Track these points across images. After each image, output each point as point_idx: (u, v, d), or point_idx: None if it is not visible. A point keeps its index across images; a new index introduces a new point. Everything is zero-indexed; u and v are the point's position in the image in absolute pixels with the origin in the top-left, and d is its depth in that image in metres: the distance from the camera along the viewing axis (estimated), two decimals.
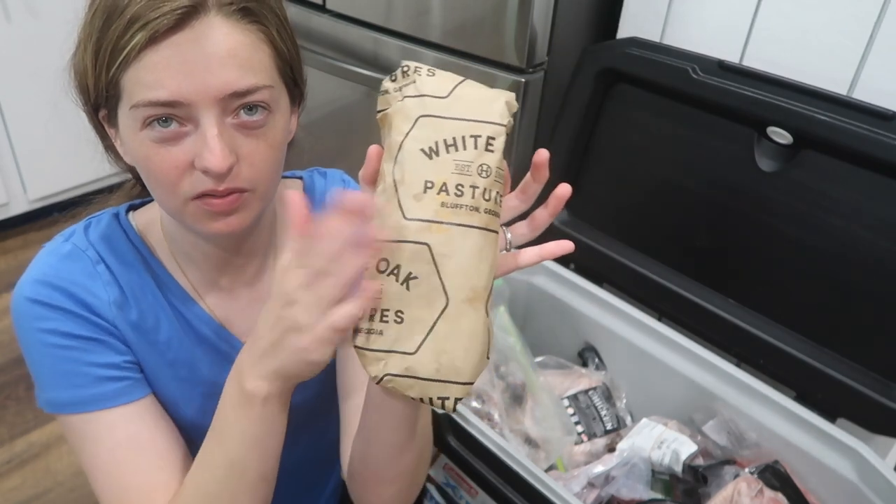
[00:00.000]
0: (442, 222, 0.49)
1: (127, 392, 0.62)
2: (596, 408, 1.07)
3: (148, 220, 0.68)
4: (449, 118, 0.50)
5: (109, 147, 0.64)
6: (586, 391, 1.08)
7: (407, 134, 0.50)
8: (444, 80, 0.52)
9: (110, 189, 0.75)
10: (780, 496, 0.88)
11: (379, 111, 0.53)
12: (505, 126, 0.51)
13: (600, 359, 1.17)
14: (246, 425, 0.54)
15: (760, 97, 0.97)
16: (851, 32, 1.01)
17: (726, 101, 1.01)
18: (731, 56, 1.12)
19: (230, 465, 0.56)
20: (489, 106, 0.51)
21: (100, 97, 0.55)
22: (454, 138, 0.50)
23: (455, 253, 0.49)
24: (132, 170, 0.69)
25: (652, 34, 1.22)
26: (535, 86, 1.32)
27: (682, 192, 1.11)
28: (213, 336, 0.69)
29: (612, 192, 1.22)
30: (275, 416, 0.55)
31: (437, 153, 0.50)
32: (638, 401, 1.12)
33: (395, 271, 0.49)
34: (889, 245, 0.92)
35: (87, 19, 0.54)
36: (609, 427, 1.06)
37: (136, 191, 0.74)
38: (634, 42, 1.10)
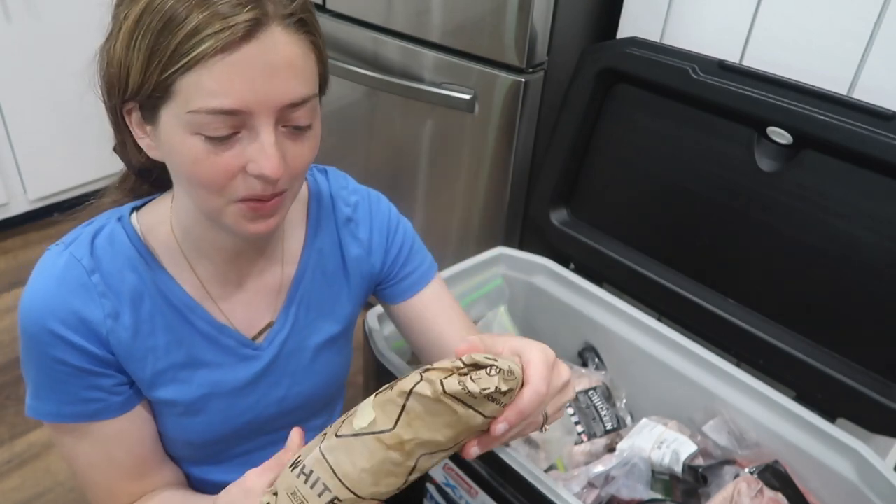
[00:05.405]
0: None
1: (106, 411, 0.65)
2: (596, 408, 1.07)
3: (153, 221, 0.68)
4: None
5: (124, 141, 0.64)
6: (586, 391, 1.08)
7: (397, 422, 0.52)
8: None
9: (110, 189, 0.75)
10: (780, 496, 0.88)
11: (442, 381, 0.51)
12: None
13: (600, 359, 1.17)
14: None
15: (760, 97, 0.97)
16: (851, 32, 1.01)
17: (726, 101, 1.01)
18: (731, 56, 1.12)
19: None
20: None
21: (143, 93, 0.55)
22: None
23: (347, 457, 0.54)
24: (141, 167, 0.68)
25: (652, 34, 1.22)
26: (535, 86, 1.32)
27: (682, 192, 1.11)
28: (216, 333, 0.69)
29: (612, 192, 1.22)
30: None
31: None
32: (638, 401, 1.12)
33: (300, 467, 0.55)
34: (889, 245, 0.92)
35: (135, 16, 0.53)
36: (609, 427, 1.06)
37: (128, 184, 0.73)
38: (634, 42, 1.10)
